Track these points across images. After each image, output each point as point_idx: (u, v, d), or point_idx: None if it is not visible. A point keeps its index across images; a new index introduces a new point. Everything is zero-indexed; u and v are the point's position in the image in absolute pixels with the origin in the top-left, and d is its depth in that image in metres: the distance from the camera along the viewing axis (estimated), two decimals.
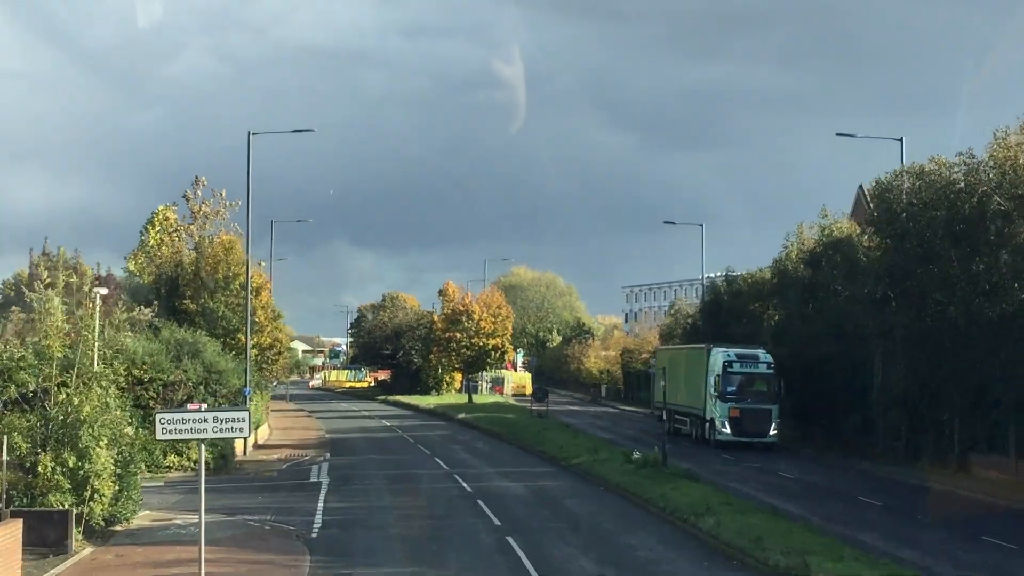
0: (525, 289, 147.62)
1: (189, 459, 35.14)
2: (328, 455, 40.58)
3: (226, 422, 17.06)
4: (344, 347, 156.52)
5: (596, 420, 64.81)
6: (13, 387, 23.31)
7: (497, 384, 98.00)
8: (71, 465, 21.26)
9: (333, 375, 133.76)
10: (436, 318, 79.04)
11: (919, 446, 37.70)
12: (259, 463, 38.34)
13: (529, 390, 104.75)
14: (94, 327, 24.04)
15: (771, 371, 43.34)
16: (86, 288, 26.34)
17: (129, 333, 40.87)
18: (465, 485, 30.49)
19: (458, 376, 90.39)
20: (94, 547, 21.36)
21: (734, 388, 43.18)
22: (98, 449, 21.66)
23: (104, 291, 28.11)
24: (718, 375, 43.31)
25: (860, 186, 56.14)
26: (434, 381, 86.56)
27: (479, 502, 26.86)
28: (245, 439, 40.33)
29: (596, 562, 19.56)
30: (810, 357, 44.12)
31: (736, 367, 43.48)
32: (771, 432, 42.53)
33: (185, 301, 43.23)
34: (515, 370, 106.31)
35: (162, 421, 16.83)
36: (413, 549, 21.06)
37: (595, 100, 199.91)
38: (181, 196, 48.67)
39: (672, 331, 75.25)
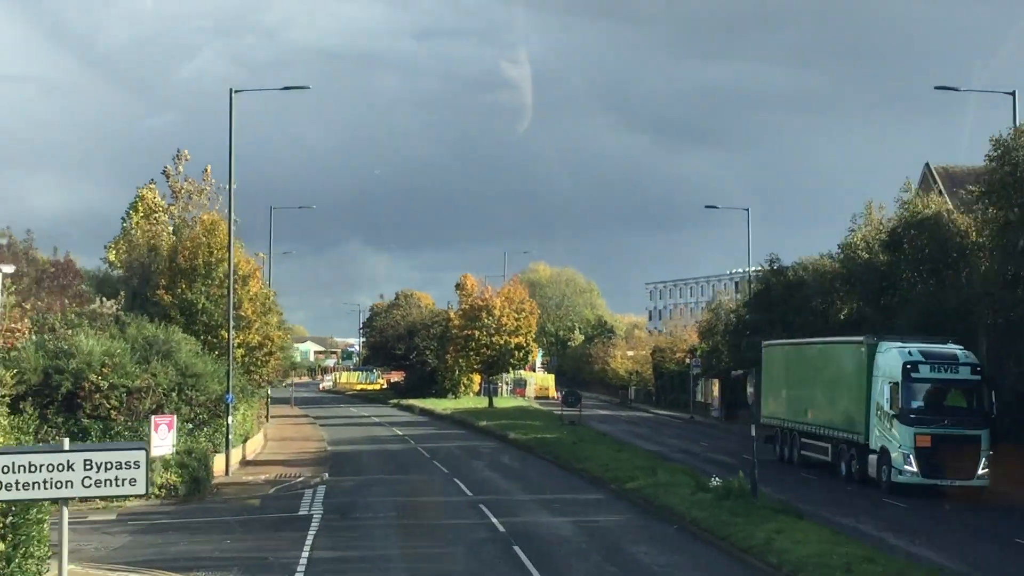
0: (544, 286, 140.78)
1: (152, 483, 28.41)
2: (327, 475, 33.83)
3: (107, 470, 10.17)
4: (357, 348, 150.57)
5: (632, 427, 57.92)
6: None
7: (519, 386, 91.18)
8: None
9: (344, 377, 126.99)
10: (453, 315, 72.22)
11: None
12: (242, 486, 31.60)
13: (553, 392, 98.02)
14: None
15: (978, 378, 29.87)
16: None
17: (90, 329, 34.59)
18: (495, 521, 23.64)
19: (476, 378, 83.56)
20: None
21: (922, 404, 30.02)
22: None
23: (9, 268, 21.28)
24: (894, 383, 30.10)
25: (927, 164, 50.26)
26: (450, 383, 79.68)
27: (517, 550, 20.00)
28: (226, 455, 33.67)
29: None
30: None
31: (924, 372, 29.95)
32: (979, 472, 29.00)
33: (159, 292, 36.54)
34: (533, 371, 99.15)
35: None
36: None
37: (606, 101, 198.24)
38: (160, 172, 41.96)
39: (712, 327, 68.19)
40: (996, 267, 30.86)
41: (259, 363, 38.38)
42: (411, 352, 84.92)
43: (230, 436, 33.71)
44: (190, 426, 33.26)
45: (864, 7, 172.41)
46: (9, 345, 28.49)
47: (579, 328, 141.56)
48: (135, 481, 10.74)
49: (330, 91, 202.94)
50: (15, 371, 25.33)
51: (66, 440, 11.61)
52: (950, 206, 40.76)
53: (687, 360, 77.54)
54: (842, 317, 44.61)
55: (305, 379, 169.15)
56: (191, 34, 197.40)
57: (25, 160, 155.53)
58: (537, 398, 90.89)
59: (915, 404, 29.91)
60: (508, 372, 78.24)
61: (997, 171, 31.17)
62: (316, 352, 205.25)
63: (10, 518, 15.93)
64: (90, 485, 10.53)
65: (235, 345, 37.09)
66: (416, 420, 63.78)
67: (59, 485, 10.33)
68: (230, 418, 33.71)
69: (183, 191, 41.72)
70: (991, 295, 31.25)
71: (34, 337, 30.04)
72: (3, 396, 17.59)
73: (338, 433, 52.81)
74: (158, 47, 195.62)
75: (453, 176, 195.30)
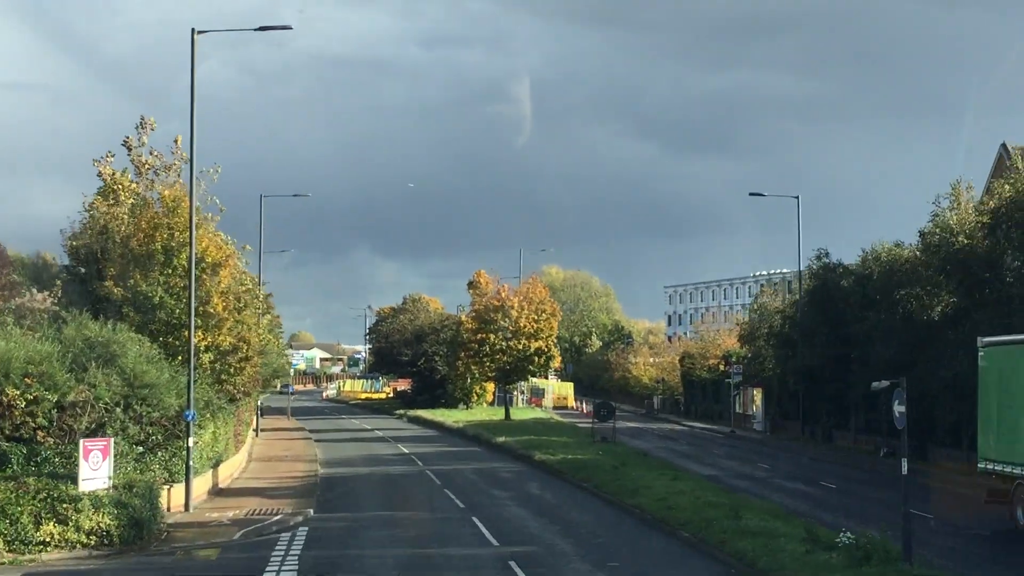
0: (558, 290, 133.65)
1: (79, 528, 21.52)
2: (311, 511, 26.83)
3: None
4: (363, 355, 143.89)
5: (670, 443, 50.91)
6: None
7: (536, 396, 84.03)
8: None
9: (348, 385, 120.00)
10: (465, 318, 65.08)
11: None
12: (201, 529, 24.60)
13: (572, 402, 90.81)
14: None
15: None
16: None
17: (15, 329, 27.77)
18: None
19: (490, 387, 76.48)
20: None
21: None
22: None
23: None
24: None
25: (1003, 144, 44.23)
26: (462, 392, 72.50)
27: None
28: (186, 486, 26.75)
29: None
30: None
31: None
32: None
33: (107, 284, 29.61)
34: (546, 378, 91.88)
35: None
36: None
37: (613, 108, 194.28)
38: (121, 144, 35.00)
39: (755, 331, 61.10)
40: None
41: (232, 370, 31.41)
42: (419, 358, 77.90)
43: (191, 462, 26.78)
44: (140, 450, 26.42)
45: (873, 13, 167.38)
46: None
47: (596, 333, 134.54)
48: None
49: (337, 98, 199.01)
50: None
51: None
52: None
53: (722, 367, 70.47)
54: (936, 313, 37.62)
55: (310, 387, 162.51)
56: (198, 42, 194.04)
57: (32, 167, 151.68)
58: (555, 408, 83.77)
59: None
60: (526, 380, 71.03)
61: None
62: (322, 359, 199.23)
63: None
64: None
65: (201, 348, 30.23)
66: (424, 434, 56.77)
67: None
68: (191, 439, 26.79)
69: (148, 166, 34.71)
70: None
71: None
72: None
73: (334, 451, 45.89)
74: (165, 55, 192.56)
75: (460, 183, 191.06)
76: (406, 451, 44.91)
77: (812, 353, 50.32)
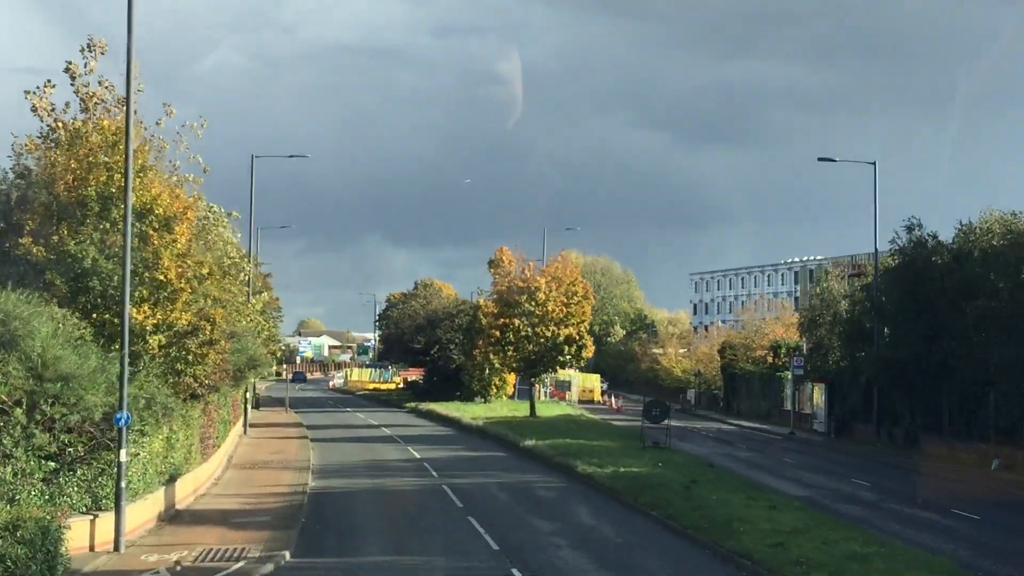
0: None
1: None
2: (287, 554, 19.42)
3: None
4: (373, 342, 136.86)
5: (728, 448, 43.45)
6: None
7: (560, 388, 76.52)
8: None
9: (355, 374, 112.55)
10: (484, 302, 57.57)
11: None
12: None
13: (598, 396, 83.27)
14: None
15: None
16: None
17: None
18: None
19: (510, 378, 69.07)
20: None
21: None
22: None
23: None
24: None
25: None
26: (479, 384, 64.93)
27: None
28: (116, 516, 19.43)
29: None
30: None
31: None
32: None
33: (24, 241, 22.26)
34: (574, 369, 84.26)
35: None
36: None
37: (626, 97, 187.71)
38: (63, 70, 27.41)
39: (817, 318, 53.55)
40: None
41: (191, 358, 24.05)
42: (432, 346, 70.52)
43: (123, 484, 19.43)
44: (52, 466, 19.14)
45: (885, 3, 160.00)
46: None
47: (619, 322, 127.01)
48: None
49: (348, 86, 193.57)
50: None
51: None
52: None
53: (770, 358, 62.96)
54: None
55: (317, 375, 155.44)
56: (209, 29, 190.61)
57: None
58: (580, 402, 76.33)
59: None
60: (554, 372, 63.51)
61: None
62: (331, 347, 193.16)
63: None
64: None
65: (148, 328, 22.85)
66: (438, 433, 49.38)
67: None
68: (124, 452, 19.45)
69: (95, 99, 27.19)
70: None
71: None
72: None
73: (332, 454, 38.62)
74: (177, 42, 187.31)
75: (471, 172, 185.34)
76: (417, 456, 37.52)
77: (895, 344, 42.86)
